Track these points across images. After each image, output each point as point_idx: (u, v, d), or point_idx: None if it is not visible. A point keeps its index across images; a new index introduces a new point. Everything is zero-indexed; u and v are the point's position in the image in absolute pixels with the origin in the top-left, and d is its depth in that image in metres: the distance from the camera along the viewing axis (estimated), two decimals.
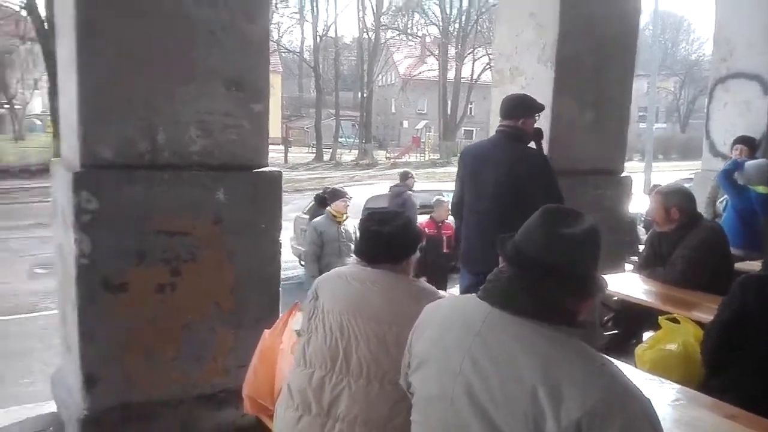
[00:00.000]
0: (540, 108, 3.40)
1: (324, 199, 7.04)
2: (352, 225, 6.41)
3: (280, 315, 3.07)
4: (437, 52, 37.52)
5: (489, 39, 37.91)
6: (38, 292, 8.31)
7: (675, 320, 2.64)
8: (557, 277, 1.24)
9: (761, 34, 5.18)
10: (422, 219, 7.37)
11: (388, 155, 37.03)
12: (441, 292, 1.98)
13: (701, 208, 5.36)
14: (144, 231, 2.66)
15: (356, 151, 35.81)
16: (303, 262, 7.11)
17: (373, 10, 34.79)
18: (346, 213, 6.35)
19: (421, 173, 28.70)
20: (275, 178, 3.01)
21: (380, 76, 43.04)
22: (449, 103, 35.72)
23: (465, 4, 35.83)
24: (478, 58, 36.71)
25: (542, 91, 3.95)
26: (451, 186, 10.57)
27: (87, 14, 2.41)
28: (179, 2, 2.58)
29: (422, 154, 37.40)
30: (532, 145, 3.45)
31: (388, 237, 1.88)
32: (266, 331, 2.26)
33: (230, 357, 2.97)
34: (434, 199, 7.77)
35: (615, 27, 4.01)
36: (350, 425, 1.76)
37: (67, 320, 2.86)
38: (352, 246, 6.25)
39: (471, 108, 40.62)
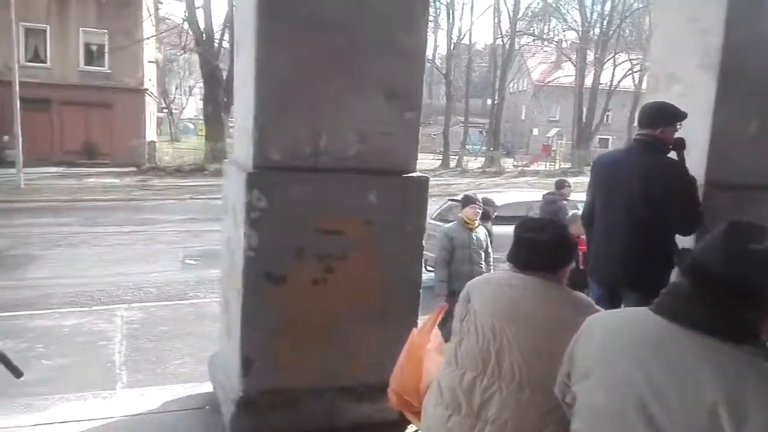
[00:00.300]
0: (682, 116, 3.21)
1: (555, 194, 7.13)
2: (483, 232, 6.41)
3: (420, 316, 3.22)
4: (574, 57, 36.23)
5: (631, 44, 36.05)
6: (188, 282, 9.15)
7: None
8: (742, 293, 1.20)
9: None
10: None
11: (515, 163, 36.33)
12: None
13: None
14: (304, 228, 2.87)
15: (483, 159, 35.48)
16: (429, 267, 7.15)
17: (509, 15, 34.34)
18: (477, 219, 6.35)
19: (550, 183, 27.87)
20: (423, 183, 3.11)
21: (512, 83, 42.36)
22: (584, 110, 34.31)
23: (607, 8, 34.27)
24: (619, 64, 34.95)
25: (703, 98, 3.73)
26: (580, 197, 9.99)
27: (266, 27, 2.66)
28: (346, 16, 2.76)
29: (552, 163, 36.27)
30: (673, 155, 3.27)
31: (545, 245, 1.89)
32: (415, 330, 2.36)
33: (372, 353, 3.11)
34: (570, 214, 7.41)
35: None
36: (500, 429, 1.79)
37: (230, 308, 3.15)
38: (482, 254, 6.25)
39: (608, 116, 38.74)
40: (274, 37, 2.67)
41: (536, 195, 11.55)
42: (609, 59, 34.58)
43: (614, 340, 1.35)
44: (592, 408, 1.37)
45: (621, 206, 3.19)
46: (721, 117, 3.69)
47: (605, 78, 35.16)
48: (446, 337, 2.30)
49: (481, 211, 6.49)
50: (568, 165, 34.18)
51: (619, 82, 35.53)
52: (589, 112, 34.87)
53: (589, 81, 35.20)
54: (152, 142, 26.94)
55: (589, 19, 35.27)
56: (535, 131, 49.17)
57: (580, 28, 35.93)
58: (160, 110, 41.83)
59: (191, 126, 47.73)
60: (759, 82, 3.67)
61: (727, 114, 3.70)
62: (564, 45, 40.59)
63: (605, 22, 34.57)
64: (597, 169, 3.47)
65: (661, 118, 3.18)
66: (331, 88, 2.82)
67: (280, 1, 2.68)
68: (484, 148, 38.49)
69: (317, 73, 2.78)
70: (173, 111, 43.20)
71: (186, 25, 24.45)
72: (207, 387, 3.47)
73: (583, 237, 6.19)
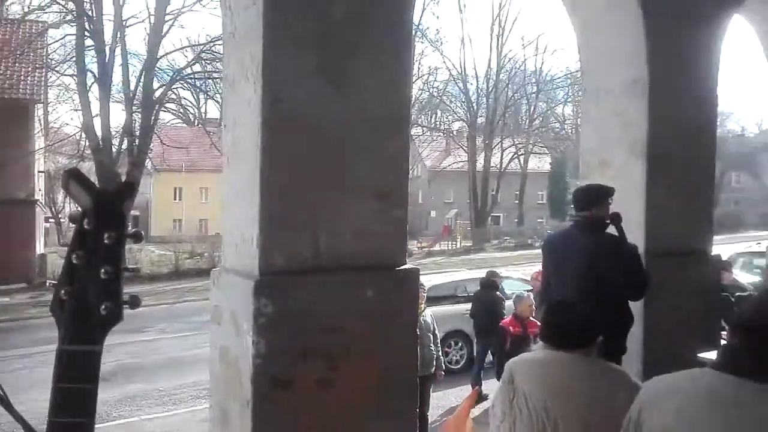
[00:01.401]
0: (610, 193, 3.55)
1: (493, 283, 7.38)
2: (429, 314, 6.60)
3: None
4: (464, 144, 38.78)
5: (515, 130, 39.31)
6: (109, 401, 8.44)
7: None
8: None
9: None
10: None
11: (419, 245, 37.40)
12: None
13: None
14: (307, 329, 2.90)
15: None
16: None
17: None
18: (423, 304, 6.53)
19: (457, 261, 28.91)
20: (414, 274, 3.27)
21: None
22: (479, 191, 36.44)
23: (491, 100, 37.36)
24: (506, 148, 37.79)
25: (633, 181, 4.24)
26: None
27: (270, 142, 2.79)
28: (344, 126, 2.96)
29: (454, 242, 37.70)
30: (612, 229, 3.59)
31: (576, 325, 2.10)
32: (449, 419, 2.43)
33: None
34: (514, 296, 7.37)
35: (697, 123, 4.36)
36: None
37: (230, 421, 3.05)
38: (431, 336, 6.41)
39: (498, 196, 41.33)
40: (278, 152, 2.81)
41: (458, 275, 12.03)
42: (497, 145, 37.35)
43: (690, 400, 1.54)
44: None
45: (573, 284, 3.39)
46: (652, 196, 4.22)
47: (494, 161, 37.76)
48: None
49: (426, 295, 6.72)
50: (469, 243, 35.69)
51: (507, 164, 38.27)
52: (482, 193, 37.04)
53: (479, 165, 37.61)
54: (43, 255, 25.23)
55: (474, 110, 38.20)
56: (433, 213, 51.23)
57: (468, 118, 38.76)
58: (46, 220, 39.46)
59: None
60: (681, 166, 4.26)
61: (656, 193, 4.23)
62: (453, 133, 43.38)
63: (490, 112, 37.60)
64: (547, 250, 3.78)
65: (590, 200, 3.52)
66: (328, 194, 2.97)
67: (285, 115, 2.84)
68: None
69: (317, 181, 2.92)
70: (61, 220, 40.89)
71: (83, 134, 23.91)
72: None
73: (532, 318, 6.51)
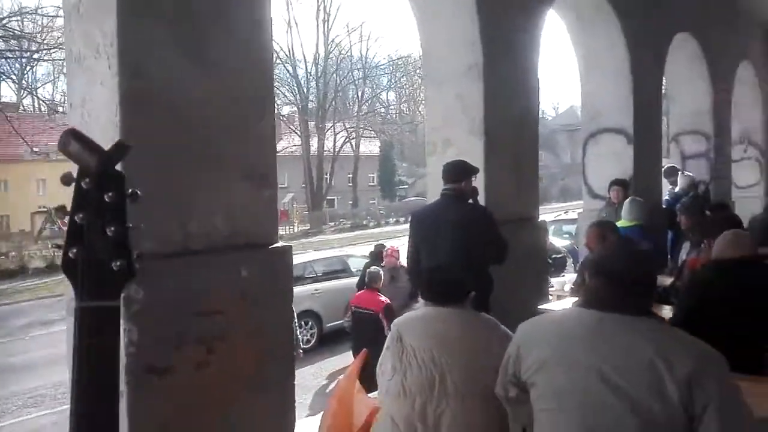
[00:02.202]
0: (476, 171, 3.99)
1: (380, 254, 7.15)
2: None
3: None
4: (297, 128, 38.72)
5: (345, 115, 40.10)
6: None
7: None
8: (640, 282, 1.79)
9: (622, 101, 6.45)
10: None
11: None
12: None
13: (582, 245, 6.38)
14: (183, 314, 2.84)
15: None
16: None
17: None
18: None
19: (296, 244, 28.96)
20: (287, 252, 3.33)
21: None
22: (314, 175, 36.70)
23: (321, 84, 37.67)
24: (338, 132, 38.42)
25: (473, 157, 4.66)
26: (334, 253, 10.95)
27: (130, 123, 2.66)
28: (207, 105, 2.91)
29: (291, 226, 37.69)
30: (471, 201, 3.99)
31: (453, 282, 2.35)
32: (341, 378, 2.56)
33: (261, 427, 3.16)
34: (369, 271, 7.00)
35: (524, 104, 4.91)
36: None
37: None
38: None
39: (332, 179, 41.94)
40: (139, 131, 2.68)
41: (305, 257, 12.10)
42: (329, 129, 37.81)
43: (561, 334, 1.83)
44: (555, 389, 1.80)
45: (447, 249, 3.64)
46: (490, 171, 4.68)
47: (327, 145, 38.24)
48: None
49: None
50: (306, 226, 35.90)
51: (340, 148, 38.98)
52: (318, 177, 37.39)
53: (313, 149, 37.85)
54: None
55: (305, 94, 38.25)
56: None
57: (299, 102, 38.69)
58: None
59: None
60: (510, 139, 4.77)
61: (493, 168, 4.70)
62: (284, 117, 43.06)
63: (321, 96, 37.92)
64: (416, 223, 4.03)
65: (462, 173, 3.85)
66: (196, 174, 2.91)
67: (144, 93, 2.72)
68: None
69: (183, 161, 2.85)
70: None
71: None
72: None
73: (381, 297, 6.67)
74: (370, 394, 2.54)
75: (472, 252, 3.63)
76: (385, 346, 2.38)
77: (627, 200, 5.88)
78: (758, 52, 10.23)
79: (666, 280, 4.83)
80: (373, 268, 6.89)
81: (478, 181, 4.65)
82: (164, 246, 2.81)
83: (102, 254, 1.06)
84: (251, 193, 3.14)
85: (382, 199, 44.25)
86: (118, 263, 1.06)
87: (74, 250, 1.04)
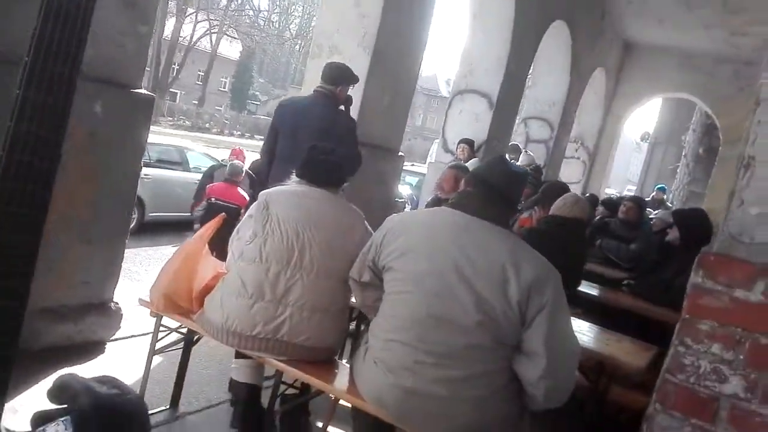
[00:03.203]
0: (355, 80, 3.86)
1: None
2: None
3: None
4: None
5: (212, 4, 37.07)
6: None
7: None
8: (509, 197, 1.94)
9: (495, 65, 6.75)
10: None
11: None
12: None
13: (432, 190, 6.72)
14: None
15: None
16: None
17: None
18: None
19: None
20: (149, 101, 3.06)
21: None
22: (162, 62, 33.73)
23: None
24: (200, 22, 35.55)
25: (358, 70, 4.59)
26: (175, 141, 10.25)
27: None
28: None
29: None
30: (342, 108, 3.87)
31: (334, 165, 2.33)
32: (188, 240, 2.44)
33: (79, 272, 2.95)
34: (232, 164, 6.54)
35: (414, 35, 4.93)
36: (299, 309, 2.17)
37: None
38: None
39: (179, 70, 38.85)
40: None
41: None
42: (190, 14, 34.80)
43: (430, 227, 1.93)
44: (413, 275, 1.89)
45: (305, 146, 3.68)
46: (369, 88, 4.67)
47: (185, 32, 35.28)
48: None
49: None
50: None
51: (199, 39, 36.20)
52: (166, 64, 34.46)
53: (167, 32, 34.65)
54: None
55: None
56: None
57: None
58: None
59: None
60: (392, 64, 4.78)
61: (372, 87, 4.70)
62: None
63: None
64: (282, 113, 3.88)
65: (342, 78, 3.72)
66: None
67: None
68: None
69: None
70: None
71: None
72: None
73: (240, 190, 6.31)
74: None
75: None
76: (247, 213, 2.31)
77: (472, 161, 6.22)
78: (613, 62, 11.34)
79: None
80: (236, 161, 6.54)
81: (356, 96, 4.64)
82: (14, 56, 2.41)
83: None
84: (125, 24, 2.81)
85: (230, 109, 42.10)
86: None
87: None
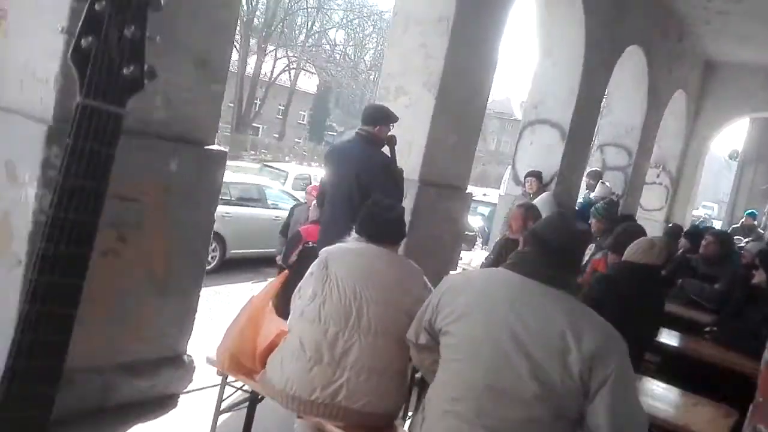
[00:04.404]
0: (395, 119, 3.83)
1: None
2: None
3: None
4: (238, 41, 36.83)
5: (290, 42, 38.55)
6: None
7: None
8: (569, 258, 1.87)
9: (567, 95, 6.61)
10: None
11: None
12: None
13: (501, 226, 6.61)
14: None
15: None
16: None
17: None
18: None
19: None
20: (222, 156, 3.20)
21: None
22: (245, 98, 35.26)
23: (271, 1, 35.86)
24: (279, 59, 36.98)
25: (424, 111, 4.65)
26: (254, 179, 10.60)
27: None
28: None
29: None
30: (386, 149, 3.85)
31: (393, 221, 2.34)
32: (253, 296, 2.51)
33: (154, 327, 3.07)
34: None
35: (480, 74, 4.93)
36: (357, 372, 2.16)
37: None
38: None
39: (262, 106, 40.44)
40: None
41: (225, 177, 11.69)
42: (270, 52, 36.29)
43: (489, 289, 1.88)
44: (468, 340, 1.85)
45: (345, 190, 3.63)
46: (435, 129, 4.69)
47: (265, 69, 36.77)
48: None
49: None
50: (226, 148, 34.50)
51: (278, 75, 37.63)
52: (248, 100, 35.97)
53: (249, 69, 36.24)
54: None
55: (253, 6, 36.26)
56: None
57: (244, 14, 36.67)
58: None
59: None
60: (460, 105, 4.78)
61: (438, 127, 4.71)
62: None
63: (269, 14, 36.12)
64: (329, 158, 3.96)
65: (379, 118, 3.73)
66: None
67: None
68: None
69: None
70: None
71: None
72: None
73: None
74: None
75: (361, 195, 3.48)
76: (309, 271, 2.35)
77: (542, 199, 6.07)
78: (694, 84, 10.83)
79: None
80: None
81: (422, 136, 4.67)
82: None
83: (116, 54, 0.94)
84: (197, 83, 2.97)
85: (308, 140, 43.36)
86: (131, 68, 0.95)
87: (89, 39, 0.92)
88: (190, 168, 3.01)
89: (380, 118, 3.75)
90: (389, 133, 3.82)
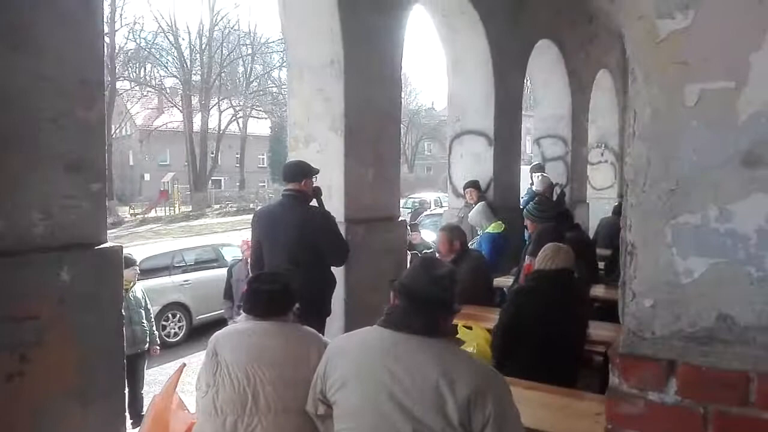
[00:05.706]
0: (315, 171, 3.94)
1: None
2: (140, 290, 6.35)
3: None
4: (179, 102, 36.81)
5: (233, 92, 38.68)
6: None
7: (469, 327, 3.45)
8: (436, 304, 1.85)
9: (484, 102, 6.68)
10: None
11: (132, 211, 34.83)
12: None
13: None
14: None
15: None
16: None
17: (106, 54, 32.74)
18: (133, 281, 6.23)
19: (176, 228, 27.73)
20: (117, 253, 3.13)
21: (116, 129, 40.49)
22: (197, 153, 35.16)
23: (206, 57, 35.99)
24: (224, 110, 37.05)
25: (335, 154, 4.66)
26: (215, 239, 10.61)
27: None
28: (18, 88, 2.65)
29: (172, 208, 36.05)
30: (314, 202, 3.96)
31: (275, 294, 2.30)
32: (156, 396, 2.45)
33: None
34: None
35: (385, 102, 4.95)
36: None
37: None
38: (143, 312, 6.18)
39: (219, 158, 40.38)
40: None
41: (174, 245, 11.61)
42: (214, 105, 36.35)
43: (363, 352, 1.85)
44: (351, 408, 1.82)
45: (286, 253, 3.66)
46: (350, 168, 4.69)
47: (213, 122, 36.78)
48: None
49: (138, 271, 6.43)
50: (188, 208, 34.41)
51: (227, 126, 37.63)
52: (202, 156, 35.90)
53: (197, 125, 36.22)
54: None
55: (189, 66, 36.38)
56: (147, 176, 47.85)
57: (182, 75, 36.73)
58: None
59: None
60: (370, 138, 4.79)
61: (353, 166, 4.71)
62: (166, 90, 40.82)
63: (206, 70, 36.25)
64: (258, 222, 3.95)
65: (301, 173, 3.82)
66: (10, 167, 2.65)
67: None
68: None
69: None
70: None
71: None
72: None
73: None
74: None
75: (308, 254, 3.61)
76: (203, 361, 2.30)
77: (475, 210, 6.09)
78: (615, 61, 11.05)
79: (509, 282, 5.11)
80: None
81: (338, 178, 4.67)
82: None
83: None
84: (76, 188, 2.92)
85: (272, 182, 43.24)
86: None
87: None
88: (84, 271, 2.95)
89: (303, 172, 3.79)
90: (314, 185, 3.86)
